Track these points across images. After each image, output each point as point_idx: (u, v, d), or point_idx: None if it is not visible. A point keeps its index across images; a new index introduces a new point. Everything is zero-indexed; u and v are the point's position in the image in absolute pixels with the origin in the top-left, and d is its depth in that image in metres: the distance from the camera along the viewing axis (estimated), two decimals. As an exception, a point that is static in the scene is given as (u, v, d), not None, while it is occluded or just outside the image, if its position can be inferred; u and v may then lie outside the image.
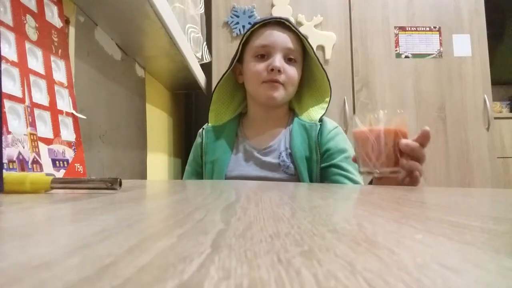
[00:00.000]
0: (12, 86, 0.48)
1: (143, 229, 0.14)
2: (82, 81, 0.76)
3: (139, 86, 1.18)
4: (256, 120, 0.86)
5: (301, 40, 0.82)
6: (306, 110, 0.85)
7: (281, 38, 0.79)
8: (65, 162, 0.59)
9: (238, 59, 0.85)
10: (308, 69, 0.86)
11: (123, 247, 0.11)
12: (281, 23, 0.80)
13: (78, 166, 0.62)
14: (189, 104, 2.07)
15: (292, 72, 0.80)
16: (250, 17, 1.64)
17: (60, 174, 0.57)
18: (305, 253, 0.10)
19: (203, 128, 0.87)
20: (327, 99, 0.84)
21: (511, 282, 0.08)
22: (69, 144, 0.61)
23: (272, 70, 0.76)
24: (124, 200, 0.25)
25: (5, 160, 0.44)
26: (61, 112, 0.60)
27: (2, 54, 0.47)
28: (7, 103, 0.47)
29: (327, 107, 0.83)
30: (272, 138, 0.83)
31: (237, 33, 1.65)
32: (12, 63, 0.49)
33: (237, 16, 1.65)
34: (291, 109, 0.88)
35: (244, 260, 0.09)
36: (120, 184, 0.32)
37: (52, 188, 0.31)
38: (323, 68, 0.83)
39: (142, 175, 1.17)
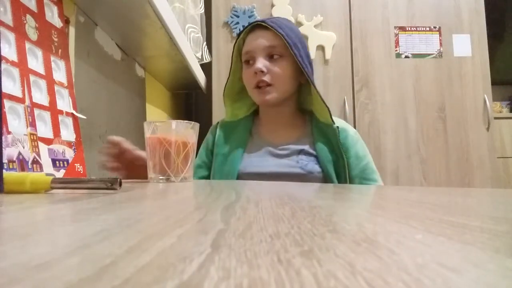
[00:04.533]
0: (12, 86, 0.49)
1: (143, 229, 0.14)
2: (82, 81, 0.76)
3: (139, 86, 1.18)
4: (266, 119, 0.88)
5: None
6: (315, 108, 0.85)
7: (259, 40, 0.79)
8: (65, 162, 0.59)
9: None
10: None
11: (123, 247, 0.11)
12: (260, 26, 0.80)
13: (78, 166, 0.63)
14: (189, 104, 2.07)
15: (276, 69, 0.79)
16: (250, 17, 1.64)
17: (60, 174, 0.57)
18: (305, 253, 0.10)
19: (217, 122, 0.91)
20: (318, 93, 0.80)
21: (511, 282, 0.08)
22: (69, 144, 0.61)
23: (256, 73, 0.78)
24: (124, 200, 0.25)
25: (5, 160, 0.44)
26: (61, 112, 0.61)
27: (2, 54, 0.47)
28: (7, 103, 0.47)
29: (325, 104, 0.80)
30: (289, 136, 0.84)
31: (237, 33, 1.65)
32: (12, 63, 0.49)
33: (237, 16, 1.65)
34: (304, 109, 0.89)
35: (244, 260, 0.09)
36: (120, 184, 0.32)
37: (52, 188, 0.31)
38: (305, 63, 0.79)
39: (142, 175, 1.16)
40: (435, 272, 0.08)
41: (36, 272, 0.08)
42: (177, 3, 1.34)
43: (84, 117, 0.70)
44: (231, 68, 0.87)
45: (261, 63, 0.78)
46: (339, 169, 0.78)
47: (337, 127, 0.79)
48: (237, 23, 1.65)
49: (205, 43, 1.67)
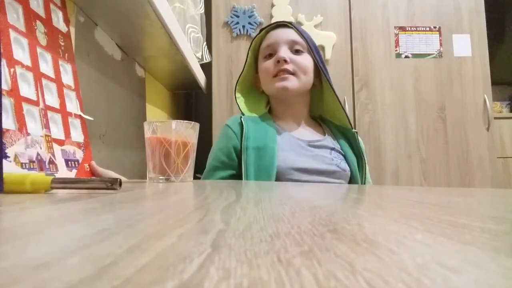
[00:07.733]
0: (27, 90, 0.51)
1: (143, 229, 0.14)
2: (83, 81, 0.76)
3: (139, 86, 1.18)
4: (283, 117, 0.87)
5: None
6: (329, 110, 0.89)
7: (282, 33, 0.83)
8: (76, 163, 0.61)
9: (256, 70, 0.89)
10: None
11: (123, 247, 0.11)
12: (284, 25, 0.85)
13: (87, 166, 0.64)
14: (189, 104, 2.07)
15: (300, 59, 0.81)
16: (250, 17, 1.64)
17: (73, 174, 0.58)
18: (305, 253, 0.10)
19: (240, 117, 0.84)
20: (337, 98, 0.86)
21: (511, 282, 0.08)
22: (78, 145, 0.63)
23: (278, 62, 0.79)
24: (124, 200, 0.25)
25: (26, 160, 0.47)
26: (70, 114, 0.62)
27: (16, 58, 0.49)
28: (24, 106, 0.49)
29: (343, 108, 0.86)
30: (316, 134, 0.85)
31: (237, 33, 1.65)
32: (27, 68, 0.51)
33: (237, 16, 1.65)
34: (317, 117, 0.92)
35: (244, 260, 0.09)
36: (120, 184, 0.32)
37: (52, 188, 0.31)
38: (324, 67, 0.84)
39: (142, 175, 1.17)
40: (435, 272, 0.08)
41: (36, 272, 0.08)
42: (177, 3, 1.34)
43: (91, 119, 0.71)
44: (245, 63, 0.88)
45: (285, 52, 0.79)
46: (359, 169, 0.82)
47: (356, 132, 0.85)
48: (237, 23, 1.64)
49: (205, 43, 1.67)
